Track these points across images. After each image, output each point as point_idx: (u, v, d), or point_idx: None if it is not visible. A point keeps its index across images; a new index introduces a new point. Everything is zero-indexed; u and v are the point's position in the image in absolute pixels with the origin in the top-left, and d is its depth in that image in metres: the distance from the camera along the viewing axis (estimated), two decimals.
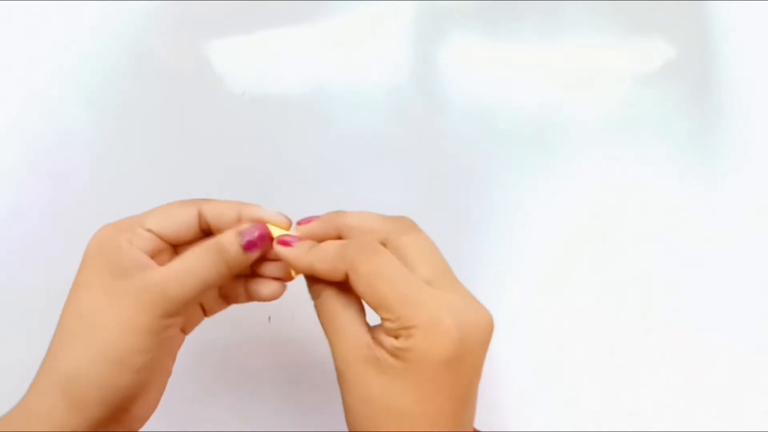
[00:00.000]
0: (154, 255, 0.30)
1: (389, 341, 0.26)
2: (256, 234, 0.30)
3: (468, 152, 0.49)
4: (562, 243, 0.48)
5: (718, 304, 0.48)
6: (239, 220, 0.31)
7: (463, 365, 0.26)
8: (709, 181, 0.50)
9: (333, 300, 0.29)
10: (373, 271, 0.27)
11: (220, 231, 0.31)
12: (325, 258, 0.29)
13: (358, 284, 0.27)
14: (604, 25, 0.51)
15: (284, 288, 0.33)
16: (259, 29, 0.49)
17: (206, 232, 0.32)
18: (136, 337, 0.28)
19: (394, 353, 0.26)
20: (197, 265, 0.29)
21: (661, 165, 0.50)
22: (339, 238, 0.31)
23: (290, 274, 0.33)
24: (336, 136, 0.48)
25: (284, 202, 0.48)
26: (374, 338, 0.27)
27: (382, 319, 0.27)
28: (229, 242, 0.30)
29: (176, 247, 0.32)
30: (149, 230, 0.30)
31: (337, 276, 0.28)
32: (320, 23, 0.50)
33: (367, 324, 0.29)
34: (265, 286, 0.33)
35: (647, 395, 0.46)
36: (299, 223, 0.32)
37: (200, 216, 0.31)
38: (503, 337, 0.47)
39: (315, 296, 0.30)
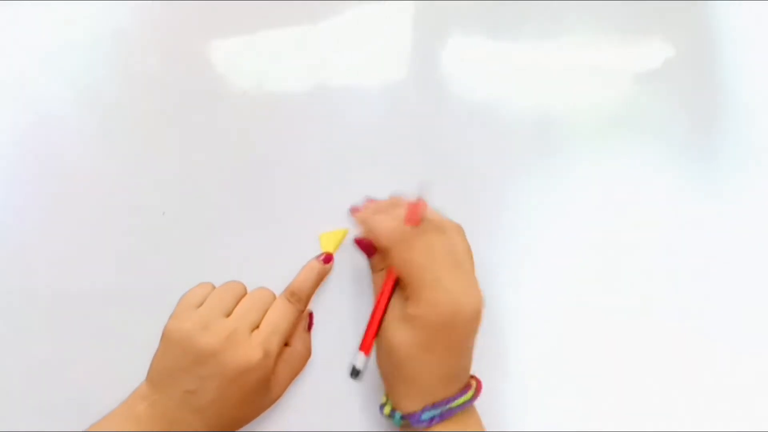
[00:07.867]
0: None
1: (410, 308, 0.38)
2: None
3: (468, 152, 0.49)
4: (561, 242, 0.48)
5: (718, 304, 0.48)
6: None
7: (455, 329, 0.37)
8: (709, 180, 0.50)
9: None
10: (404, 259, 0.38)
11: None
12: (381, 230, 0.39)
13: (395, 264, 0.39)
14: (604, 25, 0.51)
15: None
16: (259, 29, 0.49)
17: None
18: None
19: (411, 316, 0.38)
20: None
21: (661, 164, 0.50)
22: None
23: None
24: (336, 135, 0.49)
25: (284, 202, 0.48)
26: (406, 303, 0.39)
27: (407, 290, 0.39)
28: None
29: None
30: None
31: (380, 245, 0.39)
32: (320, 23, 0.50)
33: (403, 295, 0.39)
34: None
35: (647, 395, 0.46)
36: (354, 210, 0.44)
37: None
38: (502, 337, 0.47)
39: (377, 270, 0.42)
